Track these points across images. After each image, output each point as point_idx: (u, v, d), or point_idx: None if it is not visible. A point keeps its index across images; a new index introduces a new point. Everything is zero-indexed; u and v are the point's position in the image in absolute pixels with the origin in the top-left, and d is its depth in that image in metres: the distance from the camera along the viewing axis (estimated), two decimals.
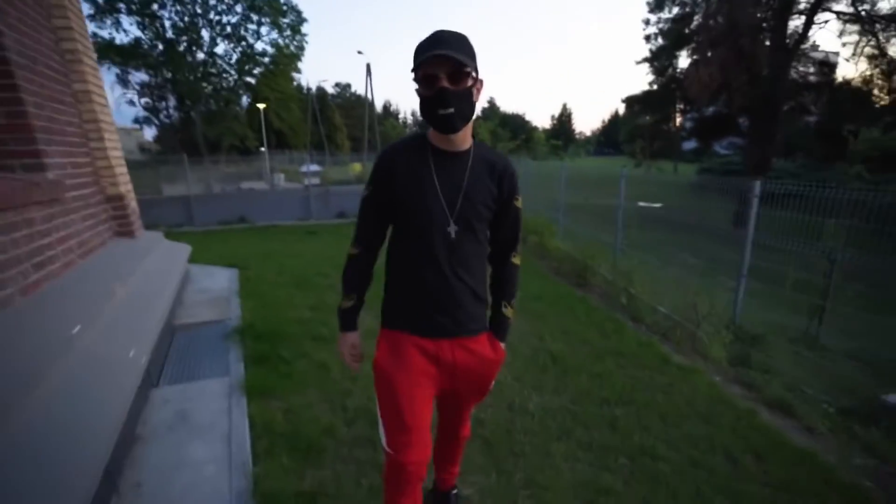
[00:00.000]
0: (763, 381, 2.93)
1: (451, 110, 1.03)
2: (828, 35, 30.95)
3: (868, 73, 14.09)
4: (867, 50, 12.51)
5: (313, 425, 2.05)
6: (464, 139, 1.15)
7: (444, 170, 1.14)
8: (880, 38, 12.28)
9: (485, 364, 1.25)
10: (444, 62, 1.00)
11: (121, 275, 2.70)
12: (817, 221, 4.06)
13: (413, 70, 1.04)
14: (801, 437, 2.34)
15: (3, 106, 2.32)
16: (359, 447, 1.95)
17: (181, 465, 1.73)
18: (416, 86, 1.08)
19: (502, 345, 1.32)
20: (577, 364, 2.89)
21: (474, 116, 1.11)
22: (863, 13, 12.40)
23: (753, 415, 2.45)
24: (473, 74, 1.05)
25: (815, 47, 14.16)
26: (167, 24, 27.31)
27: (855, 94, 14.49)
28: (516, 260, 1.33)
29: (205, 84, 29.60)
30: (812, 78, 14.72)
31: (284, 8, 30.21)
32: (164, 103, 30.70)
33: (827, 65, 14.50)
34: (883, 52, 12.40)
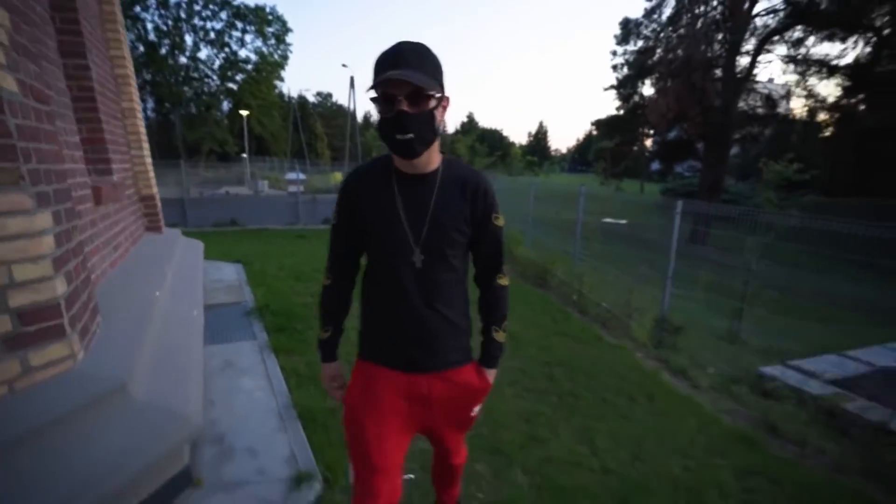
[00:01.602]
0: (671, 357, 3.78)
1: (410, 136, 0.93)
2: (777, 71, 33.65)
3: (805, 109, 15.89)
4: (798, 91, 14.25)
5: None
6: (428, 161, 1.05)
7: (408, 195, 1.05)
8: (808, 80, 13.98)
9: (468, 394, 1.19)
10: (404, 84, 0.90)
11: (165, 258, 3.34)
12: (742, 238, 4.92)
13: (371, 88, 0.93)
14: (688, 389, 3.18)
15: (87, 123, 2.96)
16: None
17: (236, 391, 2.40)
18: (374, 103, 0.97)
19: (491, 373, 1.23)
20: (528, 340, 3.68)
21: (438, 139, 1.03)
22: (798, 56, 14.07)
23: (656, 374, 3.29)
24: (437, 95, 0.95)
25: (759, 82, 15.76)
26: (149, 26, 27.42)
27: (805, 125, 16.30)
28: (503, 281, 1.23)
29: (186, 88, 29.66)
30: (759, 110, 16.29)
31: (270, 17, 30.74)
32: (142, 104, 30.57)
33: (771, 99, 16.12)
34: (811, 94, 14.12)
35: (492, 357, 1.23)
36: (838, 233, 3.97)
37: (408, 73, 0.89)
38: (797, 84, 14.94)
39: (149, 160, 4.20)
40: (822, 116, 16.80)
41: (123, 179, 3.45)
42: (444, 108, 1.03)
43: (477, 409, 1.25)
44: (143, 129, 4.09)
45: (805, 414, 2.83)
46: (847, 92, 14.51)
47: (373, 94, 0.95)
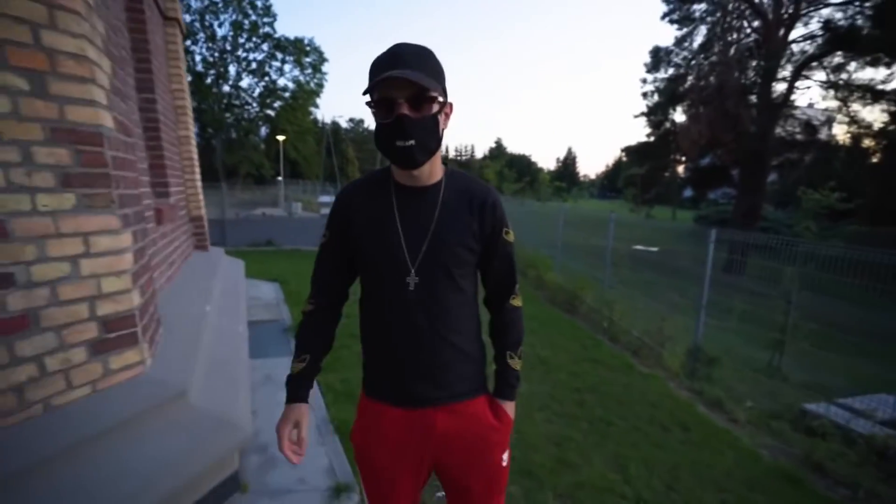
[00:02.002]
0: (706, 388, 3.69)
1: (412, 142, 0.85)
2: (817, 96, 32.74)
3: (849, 135, 15.41)
4: (840, 117, 13.85)
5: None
6: (430, 172, 0.96)
7: (408, 209, 0.96)
8: (850, 106, 13.58)
9: (483, 430, 1.03)
10: (405, 85, 0.83)
11: (212, 276, 3.55)
12: (781, 268, 4.77)
13: (367, 92, 0.86)
14: (724, 422, 3.09)
15: (151, 150, 3.25)
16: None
17: (277, 403, 2.50)
18: (371, 109, 0.89)
19: (509, 405, 1.08)
20: (558, 365, 3.67)
21: (441, 148, 0.95)
22: (840, 82, 13.73)
23: (691, 406, 3.22)
24: (440, 98, 0.87)
25: (798, 108, 15.42)
26: (197, 58, 29.44)
27: (849, 151, 15.76)
28: (516, 302, 1.12)
29: (227, 114, 31.47)
30: (798, 136, 15.89)
31: (308, 48, 32.48)
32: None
33: (810, 125, 15.72)
34: (854, 120, 13.69)
35: (508, 387, 1.09)
36: (883, 264, 3.82)
37: (409, 73, 0.82)
38: (839, 110, 14.54)
39: (199, 183, 4.52)
40: (867, 143, 16.22)
41: (178, 201, 3.73)
42: (447, 115, 0.95)
43: (505, 456, 1.07)
44: (195, 155, 4.41)
45: (855, 455, 2.70)
46: (894, 118, 13.99)
47: (370, 100, 0.88)
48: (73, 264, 1.44)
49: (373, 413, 1.05)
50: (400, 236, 0.96)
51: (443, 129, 0.92)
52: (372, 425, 1.04)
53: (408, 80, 0.81)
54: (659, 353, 4.35)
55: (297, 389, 1.05)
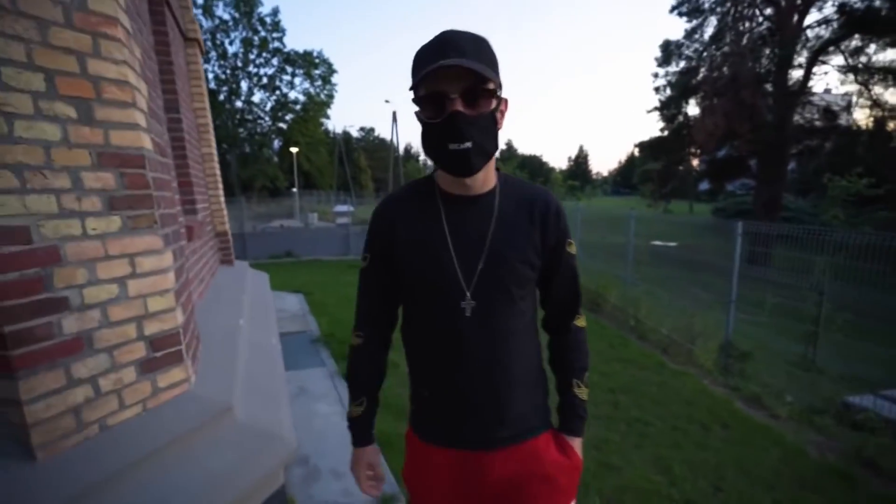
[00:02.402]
0: (742, 384, 3.59)
1: (468, 144, 0.74)
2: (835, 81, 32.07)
3: (871, 119, 14.97)
4: (862, 101, 13.49)
5: (397, 399, 2.84)
6: (485, 179, 0.85)
7: (459, 223, 0.85)
8: (872, 89, 13.21)
9: (549, 473, 0.90)
10: (459, 76, 0.71)
11: (241, 289, 3.61)
12: (808, 259, 4.66)
13: (413, 87, 0.75)
14: (764, 418, 3.01)
15: (179, 169, 3.32)
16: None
17: (314, 415, 2.53)
18: (416, 107, 0.79)
19: (577, 442, 0.96)
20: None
21: (498, 151, 0.82)
22: (859, 66, 13.37)
23: (729, 402, 3.14)
24: (497, 92, 0.77)
25: (815, 94, 15.06)
26: (210, 76, 30.15)
27: (872, 136, 15.36)
28: (580, 322, 1.02)
29: (241, 129, 32.13)
30: (817, 123, 15.51)
31: (317, 61, 33.00)
32: None
33: (830, 111, 15.33)
34: (877, 103, 13.31)
35: (576, 419, 0.96)
36: None
37: (463, 60, 0.70)
38: (860, 94, 14.15)
39: (223, 199, 4.60)
40: (891, 126, 15.72)
41: (205, 217, 3.81)
42: (503, 113, 0.83)
43: None
44: (218, 171, 4.50)
45: None
46: None
47: (416, 96, 0.76)
48: (121, 285, 1.47)
49: (423, 455, 0.93)
50: (451, 254, 0.84)
51: (500, 129, 0.81)
52: (423, 467, 0.94)
53: (463, 68, 0.70)
54: (689, 350, 4.26)
55: (361, 434, 0.99)
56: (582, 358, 1.01)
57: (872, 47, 13.18)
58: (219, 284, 3.60)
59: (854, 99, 15.03)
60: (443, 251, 0.85)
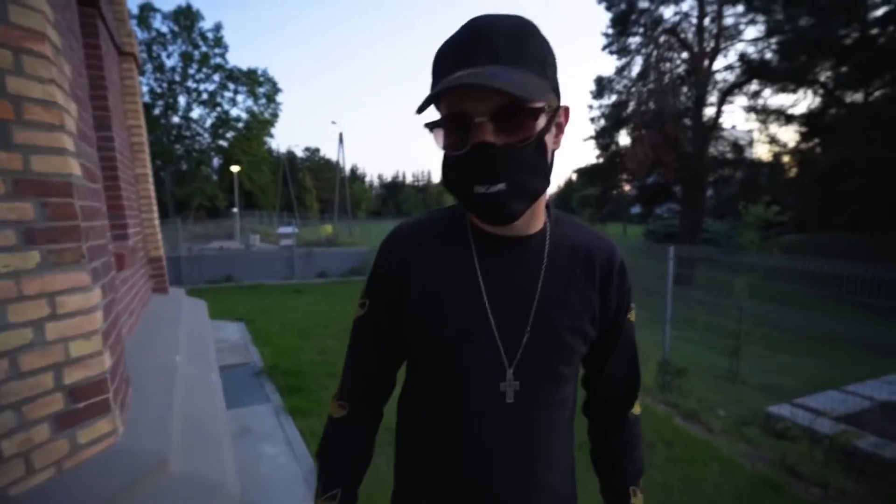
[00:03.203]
0: (680, 400, 3.82)
1: (501, 186, 0.53)
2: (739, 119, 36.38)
3: (770, 153, 17.08)
4: (762, 138, 15.49)
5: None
6: (531, 218, 0.63)
7: (497, 272, 0.63)
8: (769, 127, 15.20)
9: None
10: (485, 94, 0.50)
11: (177, 321, 3.32)
12: (727, 278, 5.14)
13: (424, 104, 0.52)
14: (702, 433, 3.20)
15: (109, 192, 3.05)
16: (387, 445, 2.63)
17: (259, 458, 2.35)
18: (431, 130, 0.57)
19: None
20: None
21: (550, 185, 0.59)
22: (758, 107, 15.25)
23: (669, 419, 3.31)
24: (547, 107, 0.54)
25: (725, 129, 16.92)
26: (144, 89, 28.38)
27: (772, 168, 17.49)
28: (637, 409, 0.81)
29: (177, 146, 30.32)
30: (728, 155, 17.31)
31: (261, 79, 32.14)
32: None
33: (738, 145, 17.22)
34: (773, 139, 15.29)
35: None
36: (818, 272, 4.22)
37: (493, 72, 0.50)
38: (760, 131, 16.12)
39: (157, 222, 4.27)
40: (785, 159, 18.01)
41: (136, 243, 3.50)
42: (561, 127, 0.61)
43: None
44: (153, 193, 4.18)
45: (820, 454, 2.87)
46: (804, 137, 15.75)
47: (431, 113, 0.56)
48: (36, 329, 1.30)
49: None
50: (489, 316, 0.62)
51: (553, 154, 0.59)
52: None
53: (493, 89, 0.48)
54: None
55: None
56: (640, 458, 0.80)
57: (768, 91, 15.13)
58: (151, 316, 3.30)
59: (756, 135, 17.10)
60: (477, 310, 0.62)
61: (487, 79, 0.48)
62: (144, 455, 1.50)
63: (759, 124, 15.69)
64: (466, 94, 0.51)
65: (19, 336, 1.26)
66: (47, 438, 1.32)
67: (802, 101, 15.78)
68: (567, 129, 0.62)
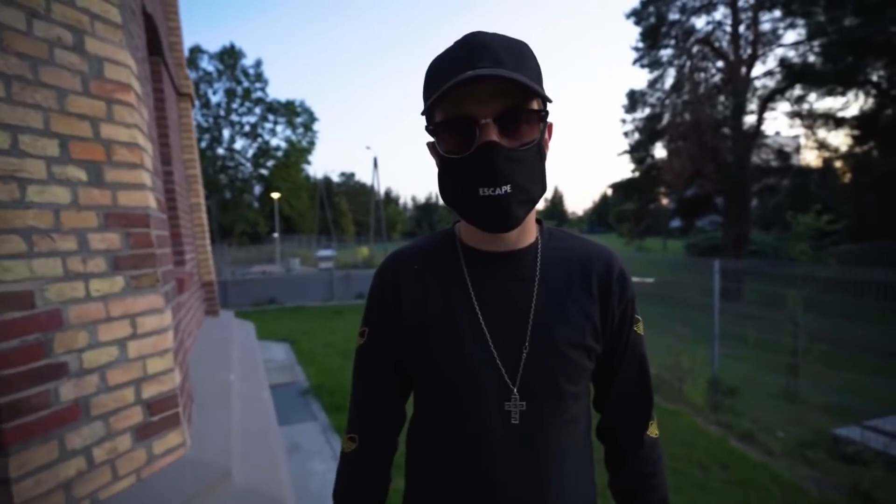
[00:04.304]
0: (734, 421, 3.62)
1: (506, 188, 0.53)
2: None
3: (819, 159, 16.22)
4: (809, 143, 14.72)
5: None
6: (522, 231, 0.63)
7: (489, 287, 0.63)
8: (816, 133, 14.45)
9: None
10: (494, 94, 0.52)
11: (229, 341, 3.51)
12: (778, 292, 4.87)
13: (427, 109, 0.55)
14: (760, 456, 3.02)
15: (170, 220, 3.30)
16: None
17: (310, 473, 2.43)
18: (432, 136, 0.58)
19: None
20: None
21: (546, 192, 0.61)
22: (803, 112, 14.59)
23: (724, 441, 3.15)
24: (543, 112, 0.57)
25: (769, 136, 16.26)
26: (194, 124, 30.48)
27: (822, 174, 16.60)
28: (654, 430, 0.74)
29: (222, 175, 32.18)
30: (773, 163, 16.59)
31: (299, 110, 33.85)
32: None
33: (783, 152, 16.47)
34: (822, 145, 14.50)
35: None
36: (881, 283, 3.93)
37: (500, 70, 0.51)
38: (806, 137, 15.37)
39: (209, 248, 4.55)
40: (837, 165, 17.04)
41: (192, 268, 3.75)
42: (548, 141, 0.62)
43: None
44: (206, 221, 4.48)
45: None
46: (857, 140, 14.84)
47: (430, 124, 0.58)
48: (121, 347, 1.43)
49: None
50: (485, 332, 0.61)
51: (545, 160, 0.60)
52: None
53: (503, 80, 0.50)
54: (679, 388, 4.30)
55: None
56: (662, 485, 0.72)
57: (813, 95, 14.46)
58: (207, 337, 3.50)
59: (803, 141, 16.28)
60: (473, 329, 0.61)
61: (502, 72, 0.50)
62: (210, 466, 1.60)
63: (805, 130, 15.01)
64: (470, 97, 0.53)
65: (107, 353, 1.40)
66: (129, 448, 1.44)
67: (853, 104, 14.87)
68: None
